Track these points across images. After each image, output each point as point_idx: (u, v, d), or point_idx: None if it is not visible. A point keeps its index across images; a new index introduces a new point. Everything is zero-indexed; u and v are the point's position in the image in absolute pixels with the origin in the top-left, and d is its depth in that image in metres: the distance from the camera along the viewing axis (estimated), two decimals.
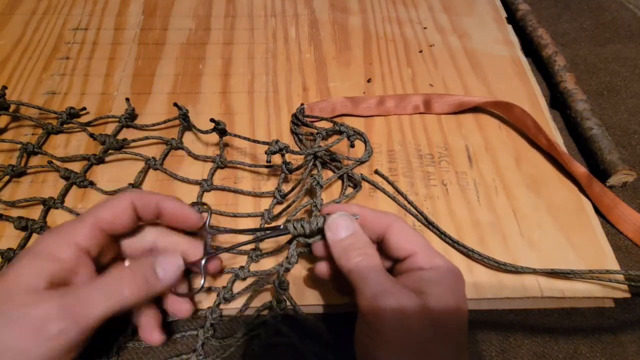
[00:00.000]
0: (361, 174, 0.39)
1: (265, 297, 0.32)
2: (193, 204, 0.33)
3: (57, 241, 0.24)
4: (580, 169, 0.38)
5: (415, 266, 0.27)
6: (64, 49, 0.49)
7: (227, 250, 0.32)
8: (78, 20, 0.52)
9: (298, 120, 0.42)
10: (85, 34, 0.50)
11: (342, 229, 0.28)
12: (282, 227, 0.30)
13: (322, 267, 0.30)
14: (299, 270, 0.34)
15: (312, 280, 0.33)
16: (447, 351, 0.24)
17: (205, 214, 0.31)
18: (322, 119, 0.42)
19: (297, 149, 0.41)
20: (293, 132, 0.42)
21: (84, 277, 0.25)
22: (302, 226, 0.29)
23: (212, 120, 0.37)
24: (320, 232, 0.29)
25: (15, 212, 0.36)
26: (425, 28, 0.53)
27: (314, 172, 0.37)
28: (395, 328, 0.24)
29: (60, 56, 0.48)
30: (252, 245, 0.34)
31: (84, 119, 0.42)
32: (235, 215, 0.36)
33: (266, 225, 0.35)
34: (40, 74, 0.46)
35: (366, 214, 0.29)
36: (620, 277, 0.33)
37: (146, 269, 0.26)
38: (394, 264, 0.29)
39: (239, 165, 0.40)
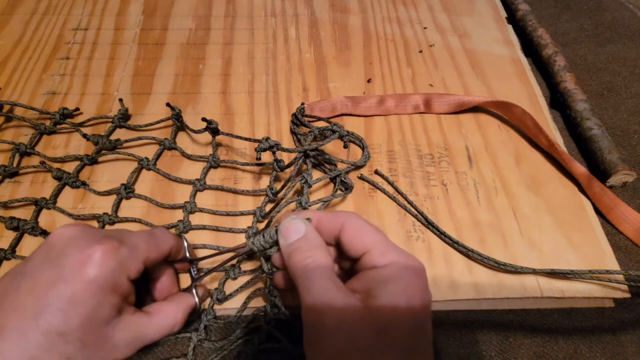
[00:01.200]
0: (361, 174, 0.39)
1: (259, 300, 0.32)
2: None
3: (117, 274, 0.25)
4: (580, 169, 0.38)
5: (368, 265, 0.26)
6: (64, 49, 0.49)
7: (206, 275, 0.32)
8: (78, 20, 0.52)
9: (297, 119, 0.42)
10: (85, 34, 0.50)
11: (293, 233, 0.27)
12: (244, 246, 0.30)
13: (279, 277, 0.30)
14: None
15: None
16: (391, 355, 0.22)
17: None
18: (320, 119, 0.42)
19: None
20: (292, 132, 0.42)
21: (132, 301, 0.27)
22: (258, 240, 0.29)
23: (204, 119, 0.37)
24: (277, 243, 0.28)
25: (14, 213, 0.36)
26: (425, 28, 0.53)
27: (304, 171, 0.37)
28: (333, 338, 0.23)
29: (60, 56, 0.48)
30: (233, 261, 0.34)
31: (79, 119, 0.42)
32: (228, 214, 0.36)
33: (257, 224, 0.36)
34: (40, 74, 0.46)
35: (320, 216, 0.28)
36: (620, 277, 0.33)
37: (190, 301, 0.30)
38: (353, 264, 0.28)
39: (237, 165, 0.40)
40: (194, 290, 0.31)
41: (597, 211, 0.38)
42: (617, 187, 0.40)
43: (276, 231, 0.28)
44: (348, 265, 0.29)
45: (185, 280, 0.33)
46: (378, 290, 0.24)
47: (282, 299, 0.32)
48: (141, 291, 0.30)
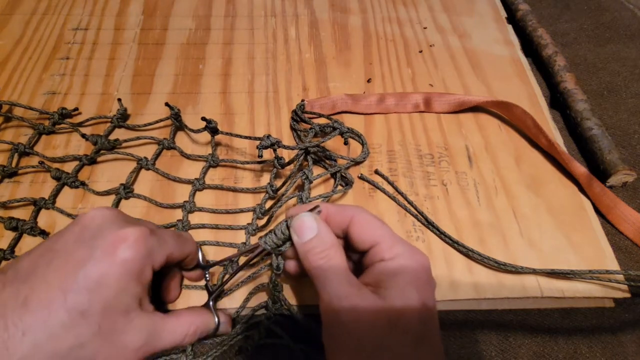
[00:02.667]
0: (361, 174, 0.39)
1: (259, 296, 0.32)
2: None
3: (145, 261, 0.25)
4: (580, 169, 0.38)
5: (377, 258, 0.26)
6: (64, 49, 0.49)
7: (222, 284, 0.31)
8: (78, 20, 0.52)
9: (297, 116, 0.42)
10: (85, 34, 0.50)
11: (307, 230, 0.27)
12: (257, 246, 0.29)
13: (292, 266, 0.30)
14: None
15: (309, 280, 0.33)
16: (404, 344, 0.23)
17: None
18: (320, 115, 0.42)
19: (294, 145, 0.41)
20: (292, 128, 0.42)
21: (149, 296, 0.27)
22: (270, 239, 0.29)
23: (203, 118, 0.37)
24: (289, 238, 0.28)
25: (13, 213, 0.36)
26: (425, 28, 0.53)
27: (305, 167, 0.37)
28: (349, 332, 0.24)
29: (60, 56, 0.48)
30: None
31: (79, 119, 0.42)
32: (228, 212, 0.36)
33: (257, 221, 0.36)
34: (40, 74, 0.46)
35: (329, 209, 0.29)
36: (620, 277, 0.33)
37: (208, 320, 0.30)
38: (362, 256, 0.28)
39: (236, 165, 0.40)
40: (210, 304, 0.30)
41: (597, 211, 0.38)
42: (617, 187, 0.40)
43: (287, 226, 0.28)
44: (356, 257, 0.29)
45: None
46: (388, 282, 0.25)
47: (292, 297, 0.32)
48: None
